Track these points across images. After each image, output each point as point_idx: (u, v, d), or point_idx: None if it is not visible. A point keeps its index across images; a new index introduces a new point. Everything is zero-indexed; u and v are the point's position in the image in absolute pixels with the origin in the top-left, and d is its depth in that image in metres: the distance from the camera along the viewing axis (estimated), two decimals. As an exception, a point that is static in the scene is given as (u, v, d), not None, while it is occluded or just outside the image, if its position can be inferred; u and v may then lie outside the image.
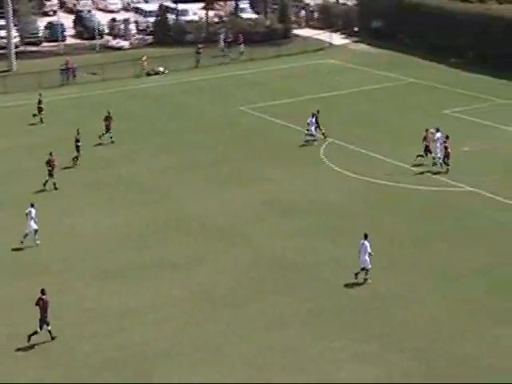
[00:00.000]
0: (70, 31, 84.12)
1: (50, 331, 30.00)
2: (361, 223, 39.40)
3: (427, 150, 46.37)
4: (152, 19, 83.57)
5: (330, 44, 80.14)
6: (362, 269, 33.87)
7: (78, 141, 48.07)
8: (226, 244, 37.93)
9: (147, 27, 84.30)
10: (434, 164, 46.18)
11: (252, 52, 74.83)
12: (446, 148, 45.56)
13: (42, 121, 56.45)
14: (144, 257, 36.74)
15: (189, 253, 37.13)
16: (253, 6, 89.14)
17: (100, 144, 51.45)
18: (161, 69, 71.18)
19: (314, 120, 50.94)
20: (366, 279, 33.90)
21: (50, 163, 44.15)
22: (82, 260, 36.52)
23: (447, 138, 45.72)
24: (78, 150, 47.97)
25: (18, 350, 29.65)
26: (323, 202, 42.42)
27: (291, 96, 62.55)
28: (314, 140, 50.96)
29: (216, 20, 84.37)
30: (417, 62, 71.72)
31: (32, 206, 38.26)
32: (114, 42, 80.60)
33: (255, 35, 79.51)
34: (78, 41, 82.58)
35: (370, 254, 33.76)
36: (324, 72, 70.78)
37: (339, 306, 32.34)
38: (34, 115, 56.41)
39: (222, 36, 77.56)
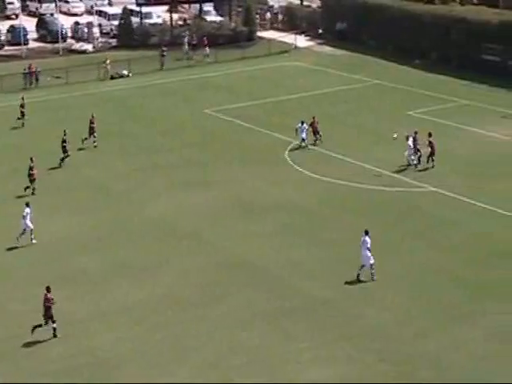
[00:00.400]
0: (32, 35, 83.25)
1: (54, 328, 30.30)
2: (326, 224, 39.66)
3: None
4: (116, 22, 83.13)
5: (295, 46, 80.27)
6: (363, 266, 33.86)
7: (64, 141, 47.89)
8: (192, 246, 37.85)
9: (111, 30, 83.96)
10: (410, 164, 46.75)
11: (217, 55, 74.78)
12: (431, 146, 46.15)
13: (23, 125, 55.79)
14: (110, 260, 36.55)
15: (155, 255, 37.01)
16: (217, 9, 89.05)
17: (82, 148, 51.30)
18: (125, 72, 70.90)
19: (303, 126, 50.63)
20: (372, 277, 33.87)
21: (31, 169, 44.01)
22: (47, 264, 36.23)
23: (430, 135, 46.41)
24: (64, 151, 47.85)
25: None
26: (288, 203, 42.46)
27: (256, 98, 62.56)
28: (306, 146, 50.75)
29: (180, 23, 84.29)
30: (381, 64, 72.09)
31: (27, 205, 38.29)
32: (78, 46, 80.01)
33: (220, 38, 79.51)
34: (41, 44, 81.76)
35: (368, 249, 33.71)
36: (289, 74, 70.91)
37: (307, 307, 32.30)
38: (18, 118, 56.07)
39: (186, 39, 77.44)
